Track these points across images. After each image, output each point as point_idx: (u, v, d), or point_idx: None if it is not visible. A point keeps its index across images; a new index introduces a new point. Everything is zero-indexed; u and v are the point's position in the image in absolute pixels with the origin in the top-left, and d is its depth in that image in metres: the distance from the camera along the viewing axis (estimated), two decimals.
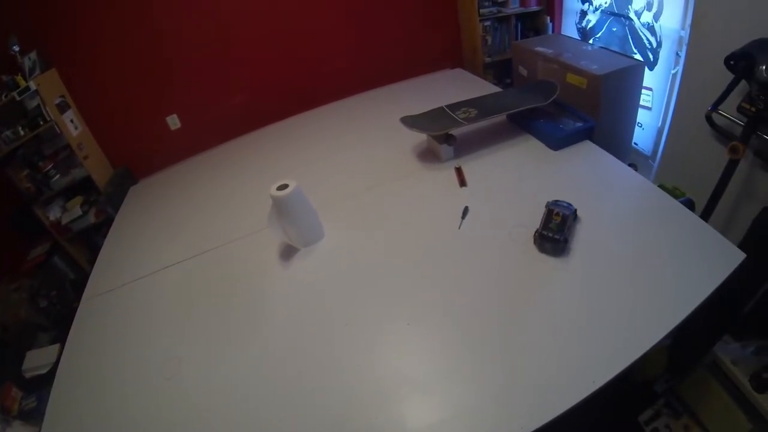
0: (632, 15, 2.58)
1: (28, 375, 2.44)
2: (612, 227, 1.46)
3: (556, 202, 1.43)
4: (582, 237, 1.42)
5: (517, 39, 3.23)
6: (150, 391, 1.37)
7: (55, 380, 1.55)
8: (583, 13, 2.99)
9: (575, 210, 1.43)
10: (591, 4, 2.91)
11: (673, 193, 2.20)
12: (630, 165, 1.82)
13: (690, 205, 1.94)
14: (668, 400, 1.81)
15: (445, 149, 1.88)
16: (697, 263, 1.25)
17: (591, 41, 2.93)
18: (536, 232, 1.41)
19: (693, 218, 1.43)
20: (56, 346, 2.60)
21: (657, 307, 1.16)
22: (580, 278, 1.29)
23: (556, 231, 1.36)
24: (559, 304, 1.23)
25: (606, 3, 2.77)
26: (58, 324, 3.05)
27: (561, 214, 1.38)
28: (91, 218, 3.11)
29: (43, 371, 2.43)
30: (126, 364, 1.52)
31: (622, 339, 1.10)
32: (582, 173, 1.71)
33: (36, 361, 2.52)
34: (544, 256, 1.38)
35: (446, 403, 1.08)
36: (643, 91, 2.51)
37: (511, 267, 1.38)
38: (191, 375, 1.38)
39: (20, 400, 2.25)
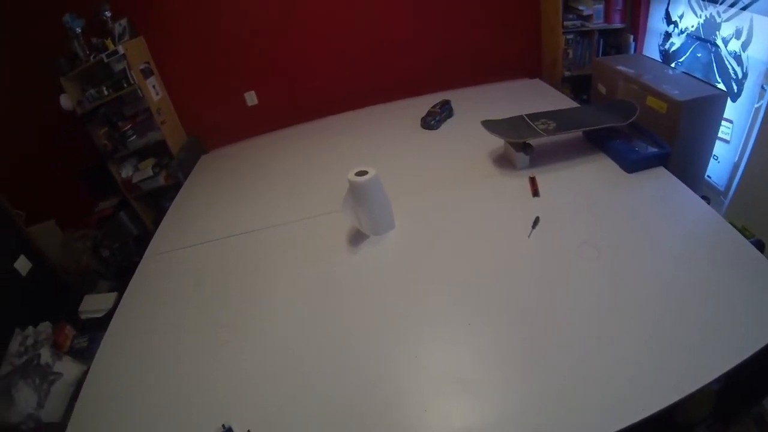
0: (719, 42, 2.50)
1: (83, 316, 2.57)
2: (676, 258, 1.43)
3: None
4: (645, 264, 1.40)
5: (598, 55, 3.17)
6: (200, 352, 1.44)
7: (110, 325, 1.66)
8: (668, 35, 2.91)
9: None
10: (677, 26, 2.83)
11: (743, 232, 2.13)
12: (703, 197, 1.78)
13: (760, 246, 1.89)
14: None
15: (521, 157, 1.89)
16: (759, 308, 1.20)
17: (673, 65, 2.86)
18: None
19: (762, 260, 1.37)
20: (114, 294, 2.70)
21: (711, 347, 1.12)
22: (636, 305, 1.27)
23: None
24: (611, 327, 1.22)
25: (693, 27, 2.69)
26: (117, 275, 3.23)
27: None
28: (161, 180, 3.26)
29: (99, 315, 2.54)
30: (180, 323, 1.59)
31: (675, 373, 1.07)
32: (653, 199, 1.69)
33: (93, 304, 2.64)
34: (606, 280, 1.37)
35: (494, 407, 1.09)
36: (723, 122, 2.44)
37: (575, 284, 1.38)
38: (245, 343, 1.43)
39: (73, 338, 2.36)
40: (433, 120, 2.54)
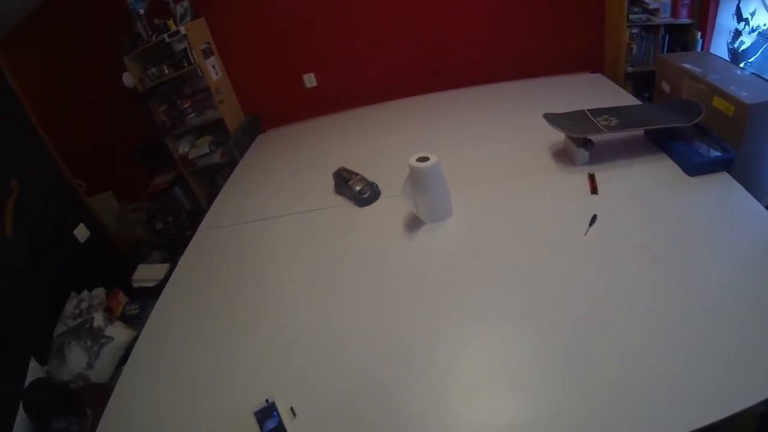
0: None
1: (135, 285, 2.65)
2: (734, 269, 1.37)
3: None
4: (701, 273, 1.36)
5: (663, 52, 3.06)
6: (246, 328, 1.48)
7: (161, 295, 1.72)
8: (738, 33, 2.80)
9: None
10: (748, 24, 2.71)
11: None
12: (767, 207, 1.72)
13: None
14: None
15: (581, 153, 1.87)
16: None
17: (742, 65, 2.75)
18: None
19: None
20: (166, 265, 2.77)
21: (764, 366, 1.07)
22: (691, 315, 1.23)
23: None
24: (665, 334, 1.19)
25: (765, 25, 2.57)
26: (170, 247, 3.34)
27: None
28: (217, 158, 3.36)
29: (150, 284, 2.59)
30: (231, 299, 1.63)
31: (719, 390, 1.03)
32: (714, 205, 1.63)
33: (145, 274, 2.71)
34: (660, 285, 1.33)
35: (537, 406, 1.08)
36: None
37: (628, 286, 1.35)
38: (292, 322, 1.46)
39: (125, 305, 2.45)
40: None
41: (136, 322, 2.31)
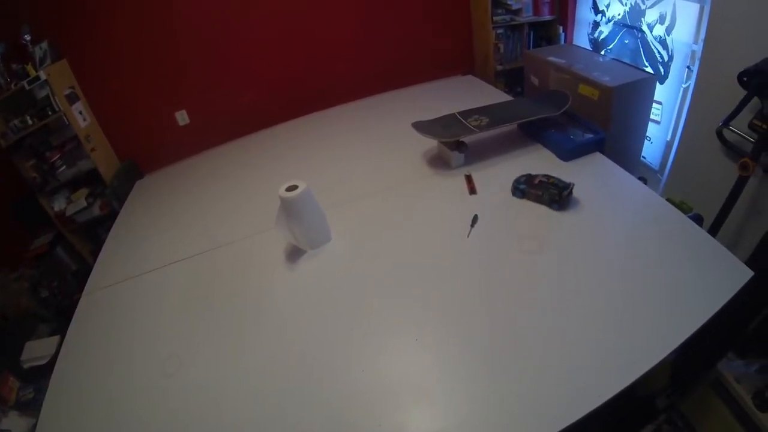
0: (645, 28, 2.58)
1: (26, 365, 2.43)
2: (619, 240, 1.46)
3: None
4: (588, 249, 1.43)
5: (529, 48, 3.23)
6: (150, 387, 1.37)
7: (54, 372, 1.55)
8: (596, 24, 2.99)
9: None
10: (604, 15, 2.91)
11: (681, 207, 2.18)
12: (640, 178, 1.81)
13: (698, 220, 1.93)
14: (670, 416, 1.80)
15: (456, 156, 1.88)
16: (704, 279, 1.25)
17: (603, 52, 2.93)
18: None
19: (701, 234, 1.43)
20: (56, 338, 2.59)
21: (663, 323, 1.16)
22: (585, 292, 1.29)
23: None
24: (563, 317, 1.23)
25: (619, 15, 2.77)
26: (59, 315, 3.05)
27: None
28: (96, 211, 3.11)
29: (42, 362, 2.41)
30: (126, 360, 1.51)
31: (627, 354, 1.10)
32: (592, 185, 1.71)
33: (35, 351, 2.50)
34: (552, 271, 1.38)
35: (448, 413, 1.08)
36: (653, 104, 2.51)
37: (518, 278, 1.38)
38: (192, 373, 1.38)
39: (17, 390, 2.25)
40: None
41: (33, 406, 2.15)
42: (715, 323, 1.15)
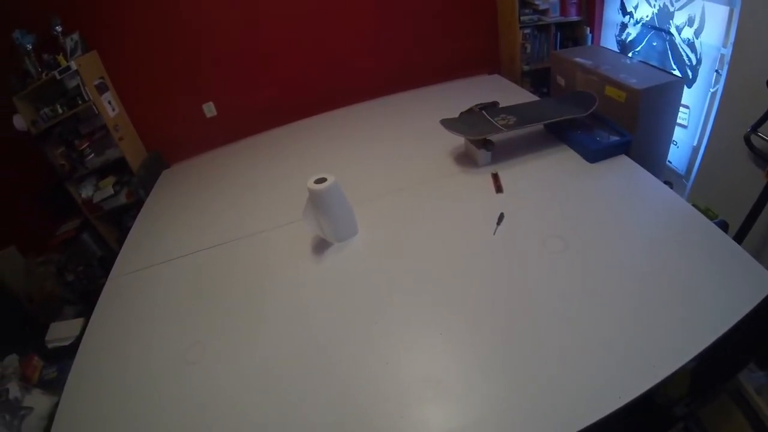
0: (673, 30, 2.55)
1: (50, 346, 2.48)
2: (643, 244, 1.45)
3: None
4: (613, 252, 1.42)
5: (556, 48, 3.21)
6: (171, 373, 1.40)
7: (78, 353, 1.60)
8: (624, 26, 2.96)
9: None
10: (632, 17, 2.88)
11: (706, 213, 2.16)
12: (665, 182, 1.80)
13: (724, 226, 1.91)
14: (688, 425, 1.78)
15: (482, 154, 1.88)
16: (728, 287, 1.23)
17: (630, 54, 2.90)
18: None
19: (726, 240, 1.40)
20: (80, 320, 2.62)
21: (684, 329, 1.14)
22: (607, 293, 1.28)
23: None
24: (584, 317, 1.23)
25: (647, 17, 2.74)
26: (84, 299, 3.13)
27: None
28: (122, 198, 3.17)
29: (66, 343, 2.46)
30: (149, 345, 1.55)
31: (647, 359, 1.09)
32: (617, 187, 1.71)
33: (59, 332, 2.55)
34: (575, 271, 1.37)
35: (469, 409, 1.09)
36: (681, 108, 2.48)
37: (544, 278, 1.38)
38: (214, 361, 1.40)
39: (41, 369, 2.28)
40: None
41: (56, 386, 2.17)
42: (737, 332, 1.13)
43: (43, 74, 2.83)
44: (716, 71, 2.29)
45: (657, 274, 1.31)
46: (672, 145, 2.60)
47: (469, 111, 2.13)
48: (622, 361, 1.09)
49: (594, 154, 1.84)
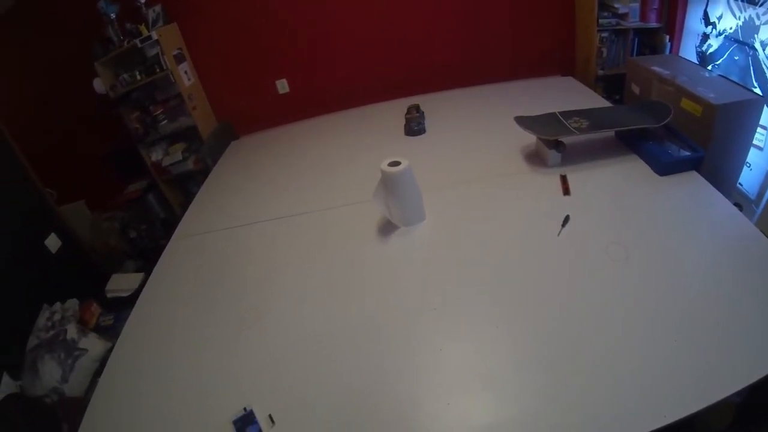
0: (758, 45, 2.45)
1: (109, 295, 2.59)
2: (705, 264, 1.41)
3: None
4: (674, 269, 1.38)
5: (632, 55, 3.12)
6: (223, 336, 1.46)
7: (136, 305, 1.68)
8: (705, 37, 2.86)
9: None
10: (715, 27, 2.77)
11: None
12: (735, 204, 1.75)
13: None
14: None
15: (553, 155, 1.89)
16: None
17: (710, 67, 2.81)
18: None
19: None
20: (140, 275, 2.71)
21: (739, 357, 1.09)
22: (662, 309, 1.26)
23: None
24: (641, 330, 1.21)
25: (731, 29, 2.63)
26: (143, 256, 3.30)
27: None
28: (190, 165, 3.32)
29: (124, 294, 2.55)
30: (204, 307, 1.61)
31: (697, 382, 1.05)
32: (684, 204, 1.66)
33: (119, 284, 2.66)
34: (633, 281, 1.35)
35: (512, 407, 1.09)
36: (758, 128, 2.39)
37: (603, 284, 1.37)
38: (269, 328, 1.45)
39: (98, 316, 2.37)
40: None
41: (110, 333, 2.25)
42: None
43: (125, 42, 2.99)
44: None
45: (715, 297, 1.27)
46: (745, 166, 2.51)
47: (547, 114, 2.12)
48: (668, 380, 1.07)
49: (665, 167, 1.81)
